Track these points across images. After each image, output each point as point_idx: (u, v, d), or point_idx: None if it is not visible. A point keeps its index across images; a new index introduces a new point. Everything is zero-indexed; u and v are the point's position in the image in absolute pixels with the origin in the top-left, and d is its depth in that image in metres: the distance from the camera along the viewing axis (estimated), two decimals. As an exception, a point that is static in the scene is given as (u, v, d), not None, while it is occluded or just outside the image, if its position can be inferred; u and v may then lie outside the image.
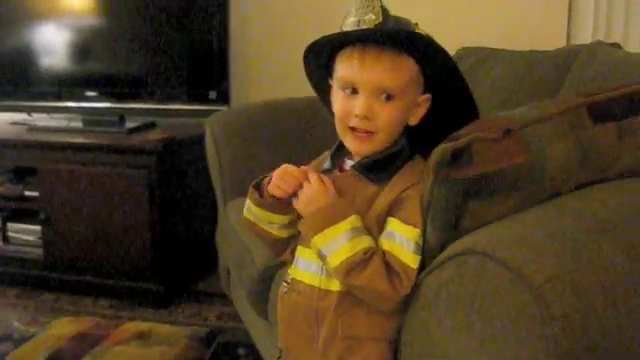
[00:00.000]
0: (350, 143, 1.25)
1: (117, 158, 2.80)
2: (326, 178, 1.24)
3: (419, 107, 1.26)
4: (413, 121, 1.26)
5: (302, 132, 2.43)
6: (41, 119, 3.29)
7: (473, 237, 1.04)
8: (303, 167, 1.30)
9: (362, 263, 1.15)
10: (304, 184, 1.24)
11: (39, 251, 2.99)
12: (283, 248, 1.38)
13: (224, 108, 2.81)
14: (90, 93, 3.09)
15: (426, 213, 1.13)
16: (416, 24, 1.23)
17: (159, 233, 2.79)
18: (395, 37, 1.19)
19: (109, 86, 3.08)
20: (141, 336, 2.34)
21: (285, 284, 1.33)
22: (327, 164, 1.31)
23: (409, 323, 1.14)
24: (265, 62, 3.18)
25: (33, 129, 3.13)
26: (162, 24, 2.95)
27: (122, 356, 2.21)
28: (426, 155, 1.24)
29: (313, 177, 1.25)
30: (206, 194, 2.72)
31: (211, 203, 2.57)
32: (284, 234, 1.35)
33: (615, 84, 1.71)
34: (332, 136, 1.32)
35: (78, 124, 3.12)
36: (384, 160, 1.24)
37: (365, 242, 1.17)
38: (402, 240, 1.15)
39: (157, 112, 3.08)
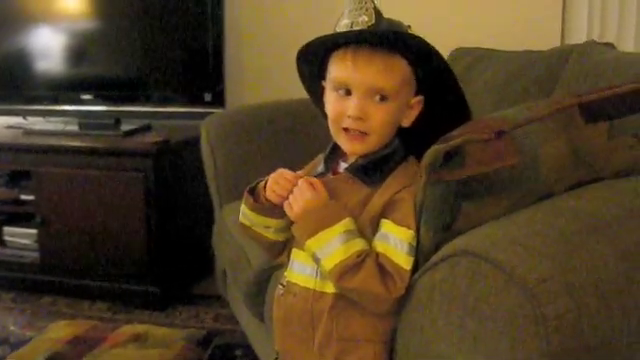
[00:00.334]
0: (344, 143, 1.25)
1: (113, 161, 2.79)
2: (317, 181, 1.24)
3: (412, 109, 1.26)
4: (406, 123, 1.26)
5: (298, 134, 2.43)
6: (37, 122, 3.28)
7: (466, 238, 1.05)
8: (298, 172, 1.31)
9: (355, 266, 1.15)
10: (294, 189, 1.25)
11: (35, 255, 2.99)
12: (280, 251, 1.39)
13: (219, 110, 2.79)
14: (86, 96, 3.09)
15: (419, 214, 1.14)
16: (409, 26, 1.23)
17: (155, 236, 2.79)
18: (388, 38, 1.19)
19: (104, 89, 3.08)
20: (138, 339, 2.34)
21: (281, 286, 1.33)
22: (321, 167, 1.32)
23: (403, 324, 1.15)
24: (260, 64, 3.18)
25: (29, 133, 3.13)
26: (157, 27, 2.94)
27: (119, 359, 2.21)
28: (419, 156, 1.25)
29: (301, 181, 1.25)
30: (202, 196, 2.71)
31: (207, 205, 2.57)
32: (280, 237, 1.36)
33: (608, 84, 1.72)
34: (328, 138, 1.32)
35: (74, 127, 3.11)
36: (377, 162, 1.24)
37: (358, 245, 1.17)
38: (396, 242, 1.15)
39: (153, 115, 3.08)
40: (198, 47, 2.92)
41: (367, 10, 1.18)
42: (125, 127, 3.04)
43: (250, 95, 3.11)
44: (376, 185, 1.23)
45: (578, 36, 2.73)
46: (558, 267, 0.93)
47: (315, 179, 1.25)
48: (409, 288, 1.13)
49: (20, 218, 3.07)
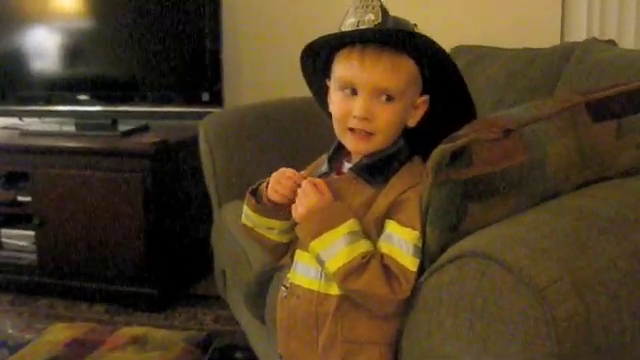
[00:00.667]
0: (349, 143, 1.24)
1: (110, 162, 2.78)
2: (321, 182, 1.23)
3: (417, 109, 1.24)
4: (412, 123, 1.24)
5: (297, 133, 2.42)
6: (33, 123, 3.27)
7: (474, 239, 1.03)
8: (302, 172, 1.29)
9: (360, 267, 1.13)
10: (298, 190, 1.23)
11: (33, 256, 2.97)
12: (283, 253, 1.37)
13: (217, 110, 2.78)
14: (82, 97, 3.07)
15: (425, 215, 1.12)
16: (415, 25, 1.22)
17: (154, 236, 2.77)
18: (396, 37, 1.17)
19: (101, 89, 3.06)
20: (137, 341, 2.33)
21: (284, 288, 1.31)
22: (324, 167, 1.30)
23: (410, 326, 1.13)
24: (258, 63, 3.17)
25: (25, 134, 3.10)
26: (154, 26, 2.93)
27: (118, 362, 2.20)
28: (424, 156, 1.24)
29: (305, 182, 1.23)
30: (201, 196, 2.70)
31: (206, 205, 2.56)
32: (284, 239, 1.34)
33: (610, 81, 1.71)
34: (327, 137, 1.31)
35: (71, 128, 3.10)
36: (382, 162, 1.22)
37: (363, 246, 1.16)
38: (401, 243, 1.14)
39: (150, 115, 3.06)
40: (195, 46, 2.90)
41: (373, 8, 1.16)
42: (122, 127, 3.02)
43: (248, 94, 3.10)
44: (380, 185, 1.21)
45: (578, 34, 2.73)
46: (567, 268, 0.92)
47: (319, 180, 1.24)
48: (415, 290, 1.11)
49: (17, 220, 3.05)
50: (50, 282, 2.94)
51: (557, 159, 1.09)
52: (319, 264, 1.19)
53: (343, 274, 1.14)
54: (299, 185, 1.24)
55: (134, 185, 2.73)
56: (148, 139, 2.83)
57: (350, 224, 1.17)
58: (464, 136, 1.04)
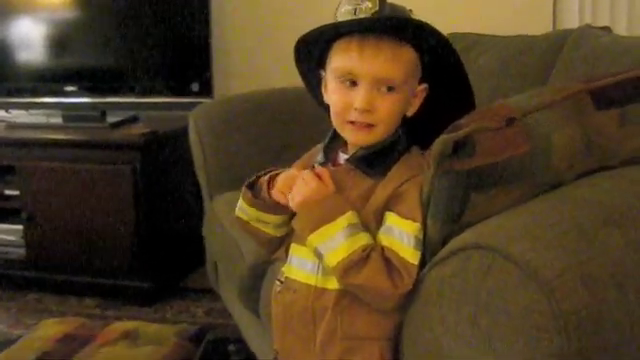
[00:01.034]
0: (349, 134, 1.20)
1: (99, 154, 2.75)
2: (326, 171, 1.20)
3: (416, 98, 1.22)
4: (411, 112, 1.21)
5: (287, 123, 2.40)
6: (19, 116, 3.23)
7: (477, 231, 1.01)
8: (296, 163, 1.26)
9: (361, 261, 1.11)
10: (297, 180, 1.20)
11: (21, 251, 2.94)
12: (277, 247, 1.34)
13: (207, 100, 2.77)
14: (69, 88, 3.04)
15: (426, 206, 1.09)
16: (410, 10, 1.19)
17: (144, 229, 2.74)
18: (398, 27, 1.14)
19: (89, 80, 3.03)
20: (128, 336, 2.31)
21: (279, 283, 1.28)
22: (320, 157, 1.27)
23: (411, 320, 1.11)
24: (248, 52, 3.13)
25: (12, 126, 3.08)
26: (142, 15, 2.90)
27: (110, 357, 2.17)
28: (421, 146, 1.21)
29: (306, 172, 1.20)
30: (192, 188, 2.68)
31: (197, 197, 2.53)
32: (279, 233, 1.31)
33: (606, 68, 1.69)
34: (319, 127, 1.28)
35: (58, 120, 3.06)
36: (380, 153, 1.19)
37: (363, 239, 1.13)
38: (402, 235, 1.11)
39: (139, 106, 3.04)
40: (184, 36, 2.88)
41: None
42: (111, 119, 2.99)
43: (238, 84, 3.06)
44: (379, 177, 1.18)
45: (570, 20, 2.71)
46: (574, 260, 0.89)
47: (324, 169, 1.21)
48: (416, 283, 1.09)
49: (5, 214, 3.01)
50: (39, 277, 2.91)
51: (561, 148, 1.06)
52: (317, 258, 1.16)
53: (343, 268, 1.11)
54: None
55: (124, 177, 2.69)
56: (137, 130, 2.81)
57: (349, 216, 1.14)
58: (466, 125, 1.02)
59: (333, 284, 1.17)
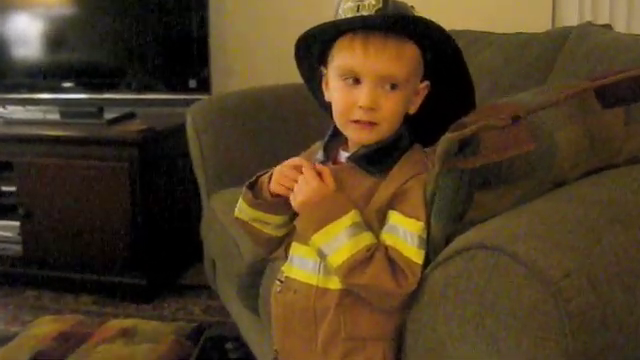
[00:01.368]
0: (352, 133, 1.18)
1: (97, 150, 2.73)
2: (327, 169, 1.18)
3: (418, 95, 1.20)
4: (413, 109, 1.20)
5: (285, 119, 2.39)
6: (16, 112, 3.20)
7: (481, 230, 1.00)
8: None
9: (365, 261, 1.09)
10: (299, 178, 1.18)
11: (18, 247, 2.92)
12: (276, 247, 1.33)
13: (205, 97, 2.74)
14: (66, 84, 3.03)
15: (430, 205, 1.08)
16: (412, 7, 1.17)
17: (141, 226, 2.73)
18: (403, 24, 1.13)
19: (86, 77, 3.02)
20: (126, 334, 2.30)
21: (279, 282, 1.27)
22: (320, 155, 1.25)
23: (414, 320, 1.10)
24: (246, 49, 3.13)
25: (9, 122, 3.05)
26: (140, 11, 2.89)
27: (107, 355, 2.16)
28: (422, 143, 1.20)
29: (306, 169, 1.18)
30: (189, 185, 2.67)
31: (194, 194, 2.52)
32: (279, 233, 1.30)
33: (607, 66, 1.68)
34: (318, 124, 1.26)
35: (55, 116, 3.04)
36: (382, 151, 1.18)
37: (367, 239, 1.12)
38: (406, 234, 1.10)
39: (136, 102, 3.02)
40: (182, 32, 2.87)
41: None
42: (108, 115, 2.97)
43: (236, 81, 3.06)
44: (381, 175, 1.16)
45: (569, 18, 2.70)
46: (580, 260, 0.89)
47: (324, 167, 1.19)
48: (420, 282, 1.08)
49: (2, 210, 3.00)
50: (36, 273, 2.90)
51: (566, 146, 1.05)
52: (320, 258, 1.15)
53: (347, 268, 1.10)
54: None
55: (121, 174, 2.68)
56: (135, 127, 2.79)
57: (352, 215, 1.12)
58: (471, 124, 1.00)
59: (335, 284, 1.16)
